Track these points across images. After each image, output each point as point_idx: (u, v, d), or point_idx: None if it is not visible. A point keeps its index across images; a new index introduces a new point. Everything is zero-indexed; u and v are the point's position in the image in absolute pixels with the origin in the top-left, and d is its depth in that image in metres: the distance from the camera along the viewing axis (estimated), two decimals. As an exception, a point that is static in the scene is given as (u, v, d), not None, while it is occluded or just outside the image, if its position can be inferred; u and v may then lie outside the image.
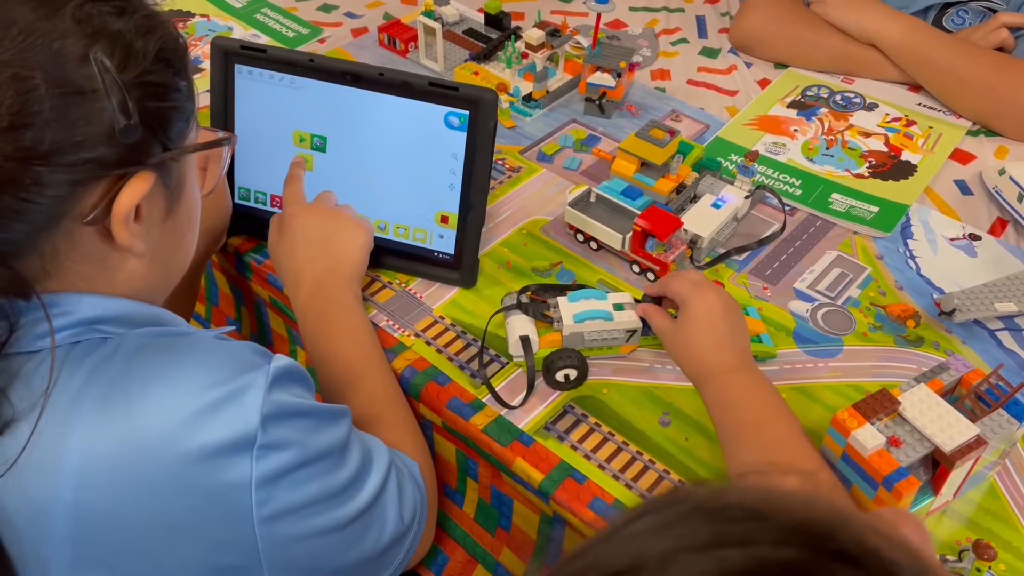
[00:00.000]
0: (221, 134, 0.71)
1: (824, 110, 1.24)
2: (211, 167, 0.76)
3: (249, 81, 0.93)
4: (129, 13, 0.58)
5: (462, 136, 0.89)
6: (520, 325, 0.85)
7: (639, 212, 0.93)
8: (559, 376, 0.83)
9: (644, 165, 1.03)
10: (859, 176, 1.12)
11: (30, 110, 0.52)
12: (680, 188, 1.03)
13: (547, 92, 1.20)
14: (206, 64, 0.95)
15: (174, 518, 0.57)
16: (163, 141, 0.60)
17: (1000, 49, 1.23)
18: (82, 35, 0.55)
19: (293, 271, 0.87)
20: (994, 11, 1.25)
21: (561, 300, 0.86)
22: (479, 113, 0.88)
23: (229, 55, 0.93)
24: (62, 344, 0.57)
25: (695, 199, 1.02)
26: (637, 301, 0.87)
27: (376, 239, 0.94)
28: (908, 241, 1.02)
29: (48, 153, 0.53)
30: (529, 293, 0.90)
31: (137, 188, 0.58)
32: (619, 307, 0.85)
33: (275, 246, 0.89)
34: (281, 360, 0.62)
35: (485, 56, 1.25)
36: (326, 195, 0.92)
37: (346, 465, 0.65)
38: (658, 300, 0.85)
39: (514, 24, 1.32)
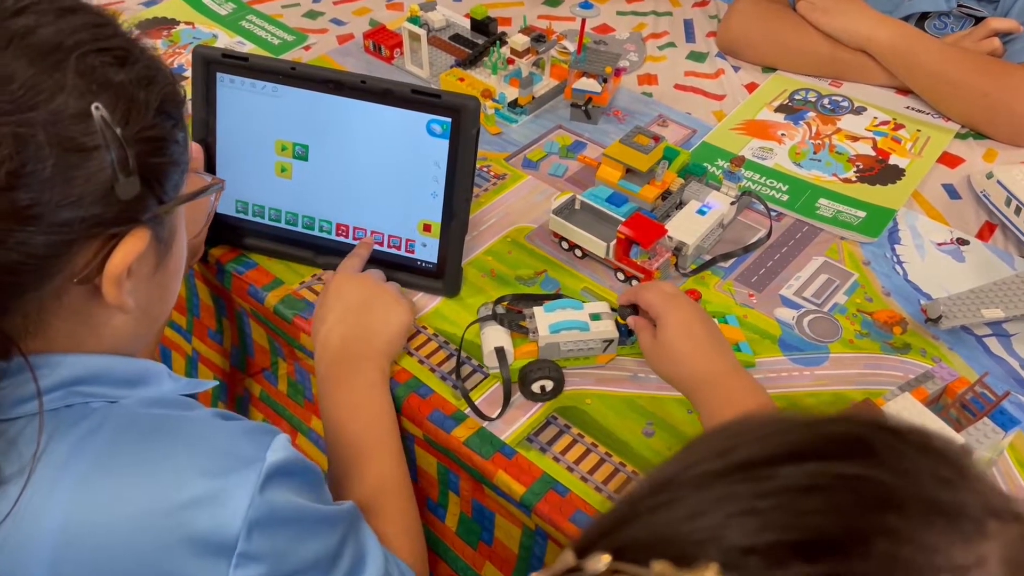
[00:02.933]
0: (210, 179, 0.70)
1: (812, 114, 1.23)
2: (196, 209, 0.74)
3: (231, 90, 0.92)
4: (131, 63, 0.56)
5: (444, 144, 0.88)
6: (495, 336, 0.85)
7: (623, 219, 0.93)
8: (535, 387, 0.82)
9: (629, 171, 1.02)
10: (846, 181, 1.11)
11: (29, 170, 0.50)
12: (666, 194, 1.02)
13: (533, 98, 1.20)
14: (190, 72, 0.94)
15: None
16: (159, 195, 0.58)
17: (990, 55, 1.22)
18: (84, 90, 0.53)
19: (323, 332, 0.84)
20: (975, 17, 1.25)
21: (537, 310, 0.85)
22: (461, 120, 0.87)
23: (211, 64, 0.92)
24: (44, 410, 0.55)
25: (680, 205, 1.01)
26: (613, 310, 0.86)
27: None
28: (895, 246, 1.02)
29: (43, 214, 0.51)
30: (504, 303, 0.89)
31: (132, 246, 0.56)
32: (596, 317, 0.85)
33: (317, 307, 0.87)
34: (279, 452, 0.58)
35: (471, 62, 1.25)
36: (376, 272, 0.91)
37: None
38: (635, 308, 0.84)
39: (500, 30, 1.31)
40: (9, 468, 0.53)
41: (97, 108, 0.52)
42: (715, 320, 0.82)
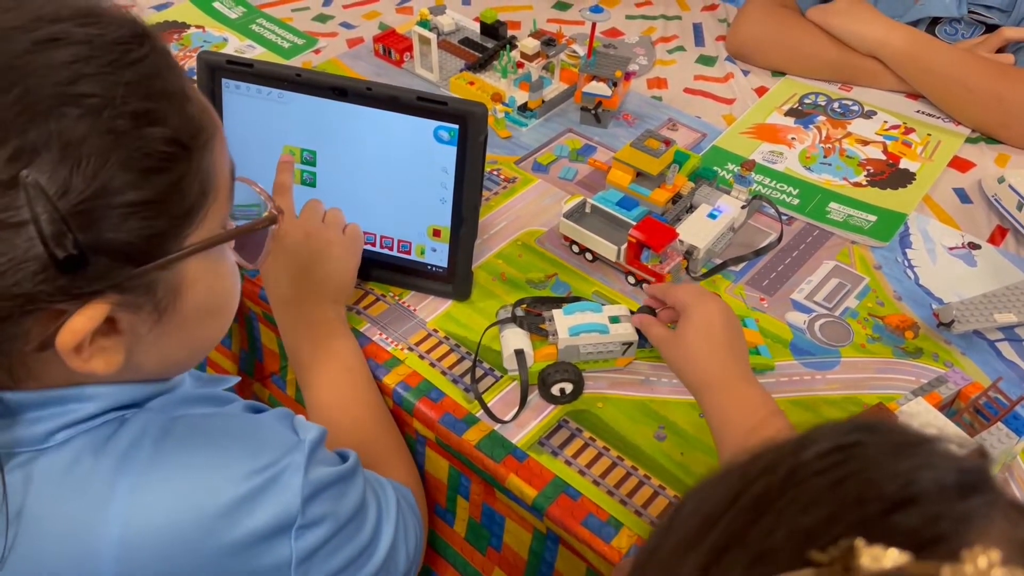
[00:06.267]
0: (269, 206, 0.63)
1: (822, 118, 1.23)
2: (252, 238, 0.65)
3: (236, 96, 0.92)
4: (111, 108, 0.47)
5: (452, 150, 0.88)
6: (515, 338, 0.85)
7: (634, 223, 0.92)
8: (555, 390, 0.82)
9: (640, 175, 1.02)
10: (857, 185, 1.11)
11: None
12: (676, 198, 1.02)
13: (543, 102, 1.20)
14: (196, 78, 0.94)
15: None
16: (136, 260, 0.50)
17: None
18: (19, 152, 0.44)
19: (278, 294, 0.86)
20: (986, 24, 1.24)
21: (556, 313, 0.85)
22: (469, 127, 0.87)
23: (216, 70, 0.91)
24: (79, 434, 0.54)
25: (691, 209, 1.01)
26: (633, 312, 0.86)
27: (368, 252, 0.93)
28: (907, 250, 1.01)
29: None
30: (524, 306, 0.89)
31: (84, 320, 0.49)
32: (615, 319, 0.85)
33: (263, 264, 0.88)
34: (311, 431, 0.62)
35: (480, 66, 1.25)
36: (314, 205, 0.89)
37: (368, 521, 0.66)
38: (652, 312, 0.84)
39: (510, 33, 1.31)
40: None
41: (27, 177, 0.44)
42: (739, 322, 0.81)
